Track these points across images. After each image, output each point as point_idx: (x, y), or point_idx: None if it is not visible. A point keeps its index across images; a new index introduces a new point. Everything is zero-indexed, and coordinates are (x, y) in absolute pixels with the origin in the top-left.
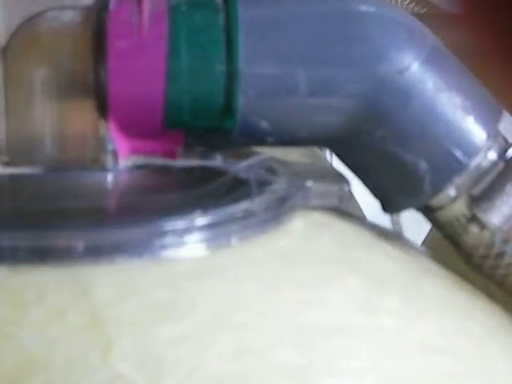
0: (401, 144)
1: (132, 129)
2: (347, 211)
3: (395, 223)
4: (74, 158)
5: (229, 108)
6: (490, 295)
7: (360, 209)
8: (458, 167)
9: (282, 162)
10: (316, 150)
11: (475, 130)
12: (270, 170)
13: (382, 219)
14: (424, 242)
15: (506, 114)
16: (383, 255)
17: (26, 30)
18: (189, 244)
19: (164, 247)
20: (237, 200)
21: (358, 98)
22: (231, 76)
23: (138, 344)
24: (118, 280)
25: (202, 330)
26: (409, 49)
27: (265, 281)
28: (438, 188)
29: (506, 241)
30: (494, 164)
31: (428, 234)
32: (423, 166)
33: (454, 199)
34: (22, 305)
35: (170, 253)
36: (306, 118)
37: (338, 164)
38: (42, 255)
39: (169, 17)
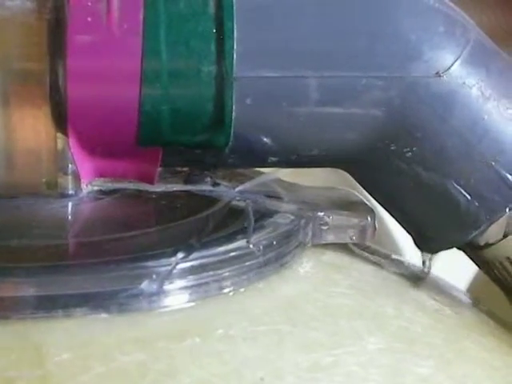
0: (438, 166)
1: (98, 145)
2: (370, 249)
3: (429, 263)
4: (25, 182)
5: (220, 119)
6: None
7: (394, 242)
8: (510, 195)
9: (289, 186)
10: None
11: None
12: (273, 197)
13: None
14: (469, 287)
15: None
16: (415, 306)
17: None
18: (169, 293)
19: (137, 298)
20: (230, 236)
21: (384, 108)
22: (223, 79)
23: None
24: (77, 340)
25: None
26: (448, 44)
27: (264, 341)
28: (485, 221)
29: None
30: None
31: (475, 276)
32: (467, 194)
33: (506, 235)
34: None
35: (144, 305)
36: (318, 132)
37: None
38: None
39: (144, 4)
